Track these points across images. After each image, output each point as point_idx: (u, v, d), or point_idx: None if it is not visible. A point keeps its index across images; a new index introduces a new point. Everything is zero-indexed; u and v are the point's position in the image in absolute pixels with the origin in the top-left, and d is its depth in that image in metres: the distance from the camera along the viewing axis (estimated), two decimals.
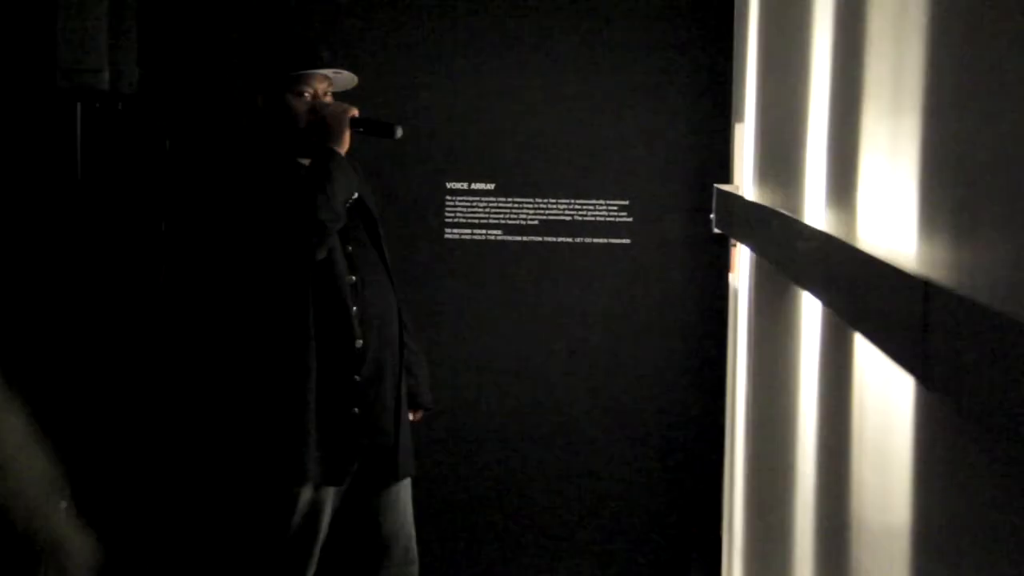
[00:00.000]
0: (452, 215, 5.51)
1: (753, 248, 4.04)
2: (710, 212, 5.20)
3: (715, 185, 5.14)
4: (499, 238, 5.51)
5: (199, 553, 5.38)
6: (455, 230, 5.51)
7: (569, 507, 5.53)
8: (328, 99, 4.45)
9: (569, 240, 5.50)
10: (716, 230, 5.15)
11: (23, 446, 0.79)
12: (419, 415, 4.69)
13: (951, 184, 1.82)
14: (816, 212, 2.90)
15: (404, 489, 4.61)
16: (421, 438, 4.75)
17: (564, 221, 5.49)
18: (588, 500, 5.53)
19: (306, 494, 4.41)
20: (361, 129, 4.41)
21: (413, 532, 4.65)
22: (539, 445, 5.52)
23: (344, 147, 4.38)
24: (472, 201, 5.50)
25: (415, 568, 4.67)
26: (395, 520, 4.59)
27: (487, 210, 5.50)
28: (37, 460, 0.78)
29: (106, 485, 4.82)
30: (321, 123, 4.37)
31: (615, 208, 5.48)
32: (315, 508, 4.44)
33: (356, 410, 4.41)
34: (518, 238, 5.50)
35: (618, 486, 5.52)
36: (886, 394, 2.14)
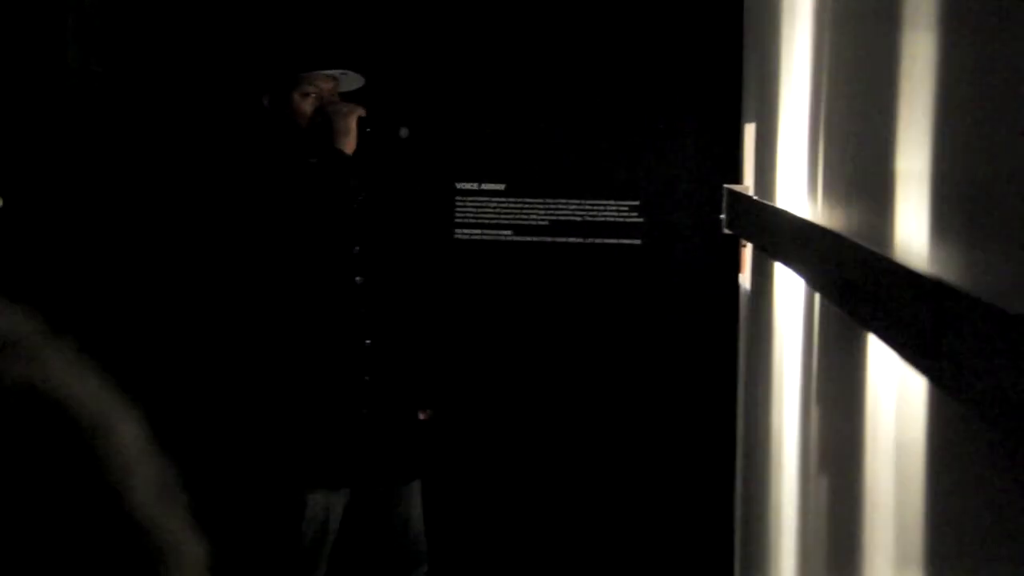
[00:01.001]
0: (462, 215, 5.51)
1: (763, 249, 4.04)
2: (720, 212, 5.20)
3: (725, 185, 5.14)
4: (509, 239, 5.51)
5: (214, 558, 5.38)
6: (465, 231, 5.51)
7: (579, 509, 5.53)
8: (335, 99, 4.46)
9: (579, 241, 5.49)
10: (726, 231, 5.15)
11: (140, 455, 0.79)
12: (428, 414, 4.69)
13: (964, 185, 1.81)
14: (827, 213, 2.90)
15: (414, 489, 4.61)
16: (430, 438, 4.75)
17: (574, 222, 5.49)
18: (597, 502, 5.53)
19: (315, 496, 4.42)
20: (368, 129, 4.42)
21: (423, 531, 4.66)
22: (548, 446, 5.52)
23: (351, 147, 4.39)
24: (482, 202, 5.50)
25: (424, 568, 4.68)
26: (405, 520, 4.59)
27: (497, 211, 5.50)
28: (155, 469, 0.79)
29: (220, 492, 4.81)
30: (328, 123, 4.38)
31: (625, 208, 5.48)
32: (324, 510, 4.44)
33: (365, 411, 4.41)
34: (528, 239, 5.50)
35: (627, 488, 5.52)
36: (899, 395, 2.14)
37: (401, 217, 4.65)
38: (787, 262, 3.36)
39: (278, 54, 4.45)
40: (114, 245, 5.32)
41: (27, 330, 0.83)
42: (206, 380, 5.16)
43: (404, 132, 4.45)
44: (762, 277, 4.27)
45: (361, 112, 4.39)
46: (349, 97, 4.51)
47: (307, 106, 4.41)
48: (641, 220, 5.48)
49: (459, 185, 5.51)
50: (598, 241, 5.49)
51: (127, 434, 0.85)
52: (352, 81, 4.49)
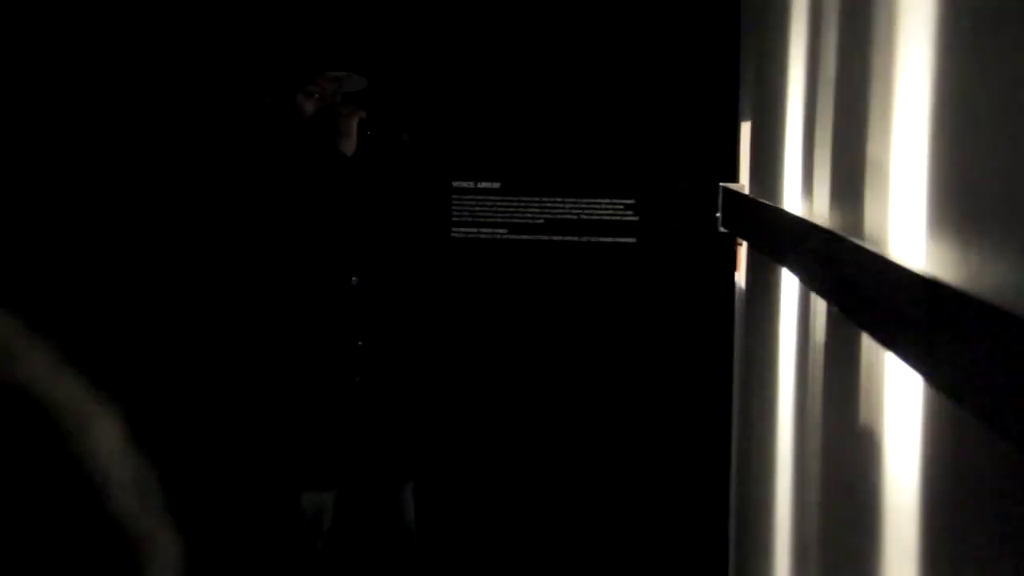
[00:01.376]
0: (458, 214, 5.51)
1: (758, 247, 4.04)
2: (716, 211, 5.20)
3: (721, 184, 5.14)
4: (505, 237, 5.51)
5: (202, 556, 5.39)
6: (461, 229, 5.51)
7: (574, 509, 5.53)
8: (337, 100, 4.46)
9: (575, 239, 5.49)
10: (722, 229, 5.15)
11: (118, 455, 0.80)
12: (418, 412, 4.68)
13: (959, 183, 1.81)
14: (824, 212, 2.90)
15: (406, 492, 4.62)
16: (424, 437, 4.75)
17: (570, 220, 5.49)
18: (592, 502, 5.53)
19: (307, 496, 4.42)
20: (368, 132, 4.42)
21: (414, 533, 4.66)
22: (543, 445, 5.52)
23: (351, 149, 4.39)
24: (478, 200, 5.50)
25: (416, 568, 4.68)
26: (397, 520, 4.59)
27: (493, 209, 5.50)
28: (132, 468, 0.79)
29: (196, 490, 4.81)
30: (330, 124, 4.38)
31: (621, 207, 5.48)
32: (316, 510, 4.44)
33: (356, 411, 4.41)
34: (524, 237, 5.50)
35: (623, 488, 5.52)
36: (896, 395, 2.14)
37: (399, 219, 4.66)
38: (783, 261, 3.36)
39: (284, 54, 4.45)
40: (98, 243, 5.31)
41: (9, 331, 0.83)
42: (197, 379, 5.16)
43: (405, 136, 4.47)
44: (758, 276, 4.28)
45: (362, 114, 4.40)
46: (350, 99, 4.51)
47: (310, 106, 4.41)
48: (636, 218, 5.48)
49: (455, 183, 5.51)
50: (593, 240, 5.49)
51: (105, 434, 0.85)
52: (356, 83, 4.50)
